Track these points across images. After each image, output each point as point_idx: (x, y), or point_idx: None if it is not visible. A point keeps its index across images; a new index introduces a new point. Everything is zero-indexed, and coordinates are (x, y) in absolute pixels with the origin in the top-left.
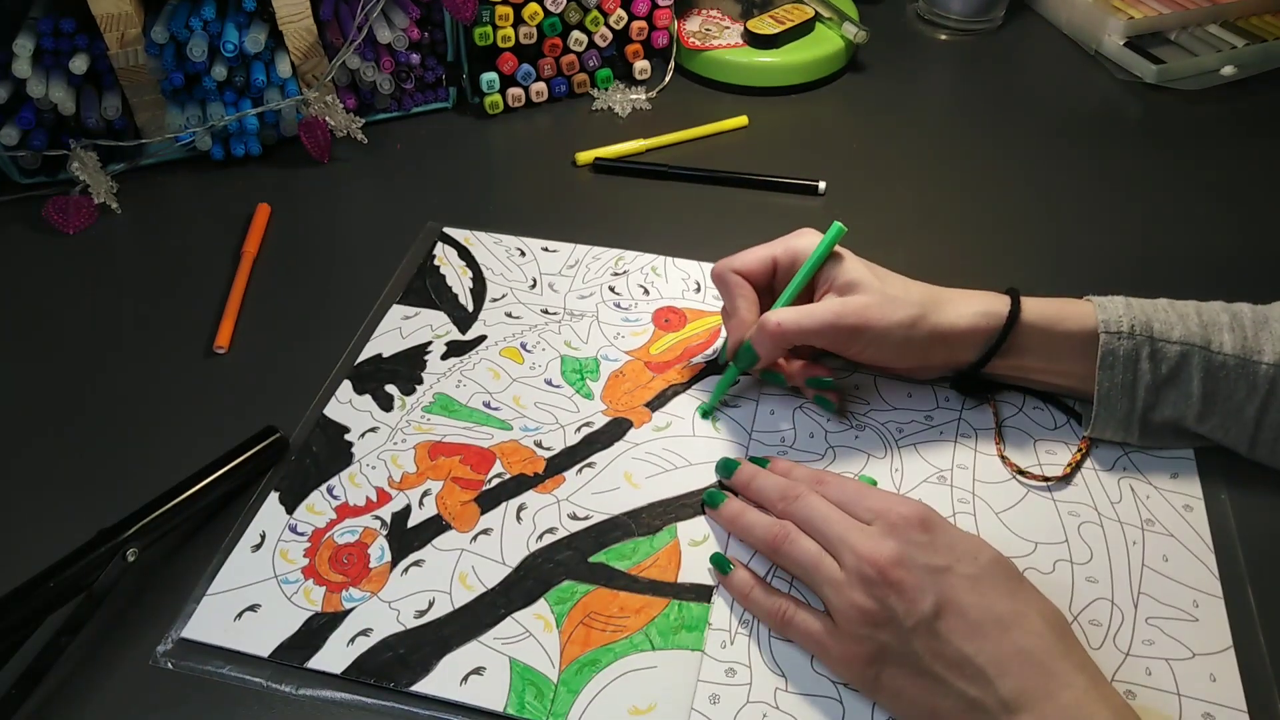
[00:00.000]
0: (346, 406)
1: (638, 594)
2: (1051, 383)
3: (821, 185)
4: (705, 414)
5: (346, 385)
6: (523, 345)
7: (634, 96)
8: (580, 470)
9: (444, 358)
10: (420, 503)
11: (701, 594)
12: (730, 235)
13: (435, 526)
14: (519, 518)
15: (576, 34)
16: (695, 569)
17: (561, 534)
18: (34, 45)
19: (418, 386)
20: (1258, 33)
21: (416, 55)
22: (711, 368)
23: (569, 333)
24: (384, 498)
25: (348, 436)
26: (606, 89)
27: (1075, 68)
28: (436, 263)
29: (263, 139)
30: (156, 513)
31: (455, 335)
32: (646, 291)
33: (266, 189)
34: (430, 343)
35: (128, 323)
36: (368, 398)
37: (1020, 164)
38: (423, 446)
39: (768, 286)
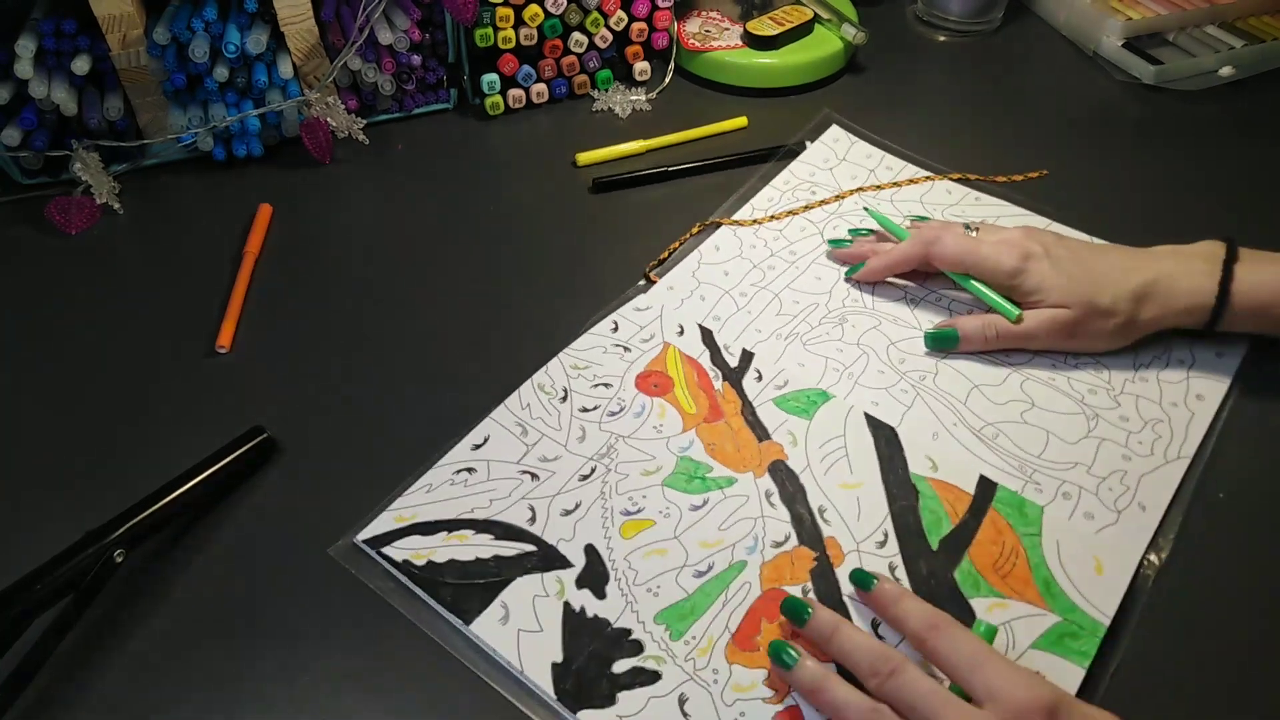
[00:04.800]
0: None
1: None
2: None
3: None
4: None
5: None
6: None
7: (634, 98)
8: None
9: None
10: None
11: None
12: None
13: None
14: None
15: (577, 35)
16: None
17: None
18: (36, 46)
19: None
20: (1256, 33)
21: (418, 56)
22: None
23: None
24: None
25: None
26: (607, 90)
27: (1073, 69)
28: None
29: (264, 140)
30: (142, 515)
31: None
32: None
33: (268, 189)
34: None
35: (129, 323)
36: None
37: (1019, 165)
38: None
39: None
